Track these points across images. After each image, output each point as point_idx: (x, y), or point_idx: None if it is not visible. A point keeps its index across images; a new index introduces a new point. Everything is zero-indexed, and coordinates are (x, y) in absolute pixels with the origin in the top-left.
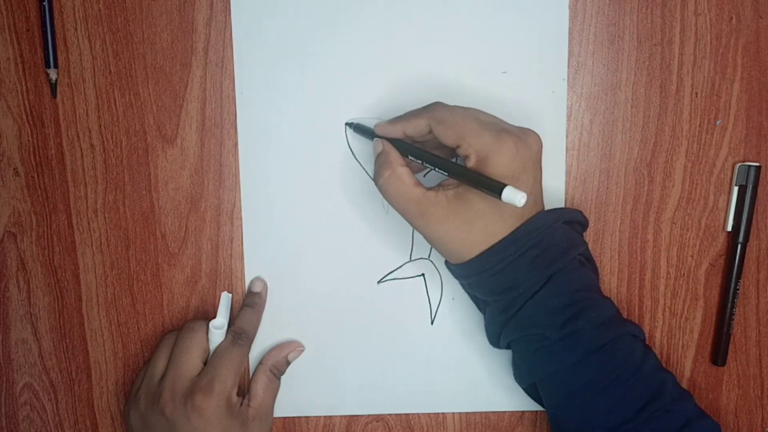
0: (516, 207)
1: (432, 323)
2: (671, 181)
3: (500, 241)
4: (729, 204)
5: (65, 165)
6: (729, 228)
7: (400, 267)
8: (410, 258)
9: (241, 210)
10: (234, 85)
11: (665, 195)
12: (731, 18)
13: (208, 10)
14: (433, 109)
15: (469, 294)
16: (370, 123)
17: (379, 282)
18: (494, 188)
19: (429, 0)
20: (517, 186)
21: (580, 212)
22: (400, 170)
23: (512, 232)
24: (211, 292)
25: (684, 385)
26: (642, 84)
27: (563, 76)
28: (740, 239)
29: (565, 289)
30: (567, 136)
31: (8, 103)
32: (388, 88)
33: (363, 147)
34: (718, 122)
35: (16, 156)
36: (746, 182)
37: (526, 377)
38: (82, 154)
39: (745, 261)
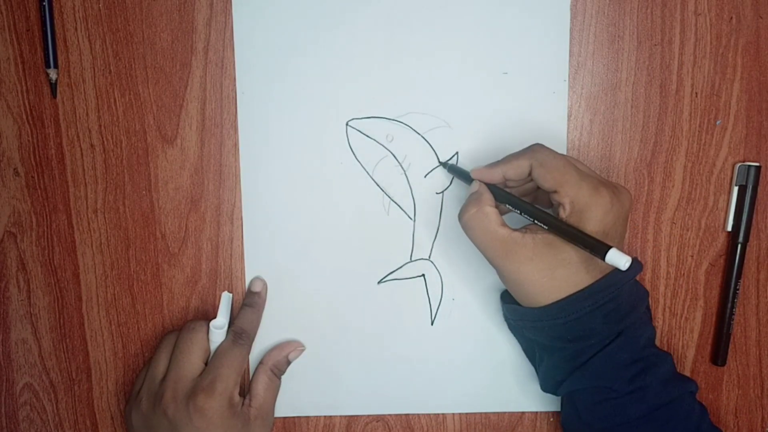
0: (620, 269)
1: (432, 323)
2: (671, 181)
3: (580, 292)
4: (729, 204)
5: (65, 165)
6: (729, 228)
7: (401, 267)
8: (410, 258)
9: (241, 210)
10: (234, 85)
11: (665, 195)
12: (731, 18)
13: (208, 10)
14: (535, 150)
15: (522, 338)
16: (375, 125)
17: (379, 282)
18: (598, 249)
19: (430, 0)
20: (608, 239)
21: (637, 260)
22: (488, 209)
23: (592, 284)
24: (211, 292)
25: None
26: (642, 84)
27: (564, 77)
28: (740, 239)
29: (634, 344)
30: (567, 136)
31: (8, 103)
32: (388, 89)
33: (363, 147)
34: (718, 122)
35: (16, 156)
36: (746, 182)
37: (585, 428)
38: (82, 154)
39: (745, 261)
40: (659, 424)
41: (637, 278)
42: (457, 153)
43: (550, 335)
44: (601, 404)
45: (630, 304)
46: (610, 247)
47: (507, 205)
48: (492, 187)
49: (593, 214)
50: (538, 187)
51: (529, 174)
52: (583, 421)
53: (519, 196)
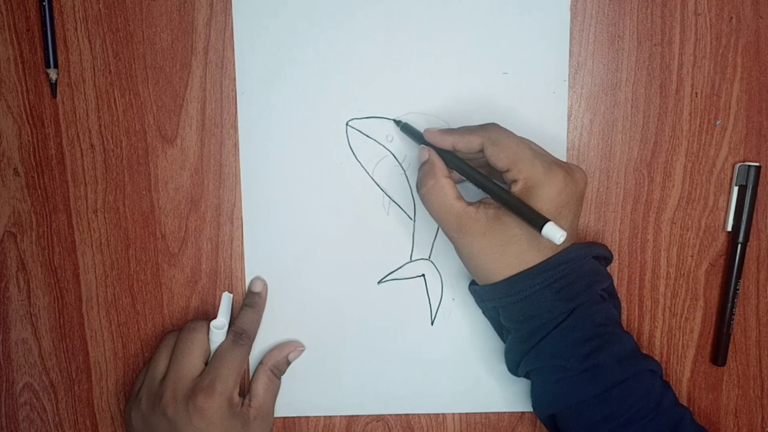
0: (554, 243)
1: (432, 323)
2: (671, 181)
3: (530, 269)
4: (729, 204)
5: (65, 165)
6: (729, 228)
7: (401, 267)
8: (411, 258)
9: (241, 210)
10: (234, 85)
11: (665, 195)
12: (731, 18)
13: (208, 10)
14: (489, 129)
15: (491, 319)
16: (375, 125)
17: (379, 282)
18: (536, 222)
19: (430, 0)
20: (558, 220)
21: (606, 247)
22: (443, 181)
23: (543, 262)
24: (211, 292)
25: (684, 385)
26: (642, 84)
27: (564, 77)
28: (740, 239)
29: (588, 322)
30: (567, 136)
31: (8, 103)
32: (388, 89)
33: (364, 147)
34: (718, 122)
35: (16, 156)
36: (746, 182)
37: (546, 408)
38: (82, 154)
39: (745, 261)
40: (617, 402)
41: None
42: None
43: (505, 315)
44: (558, 383)
45: (585, 283)
46: (547, 221)
47: (456, 171)
48: (445, 154)
49: (545, 192)
50: (487, 166)
51: (480, 150)
52: (544, 403)
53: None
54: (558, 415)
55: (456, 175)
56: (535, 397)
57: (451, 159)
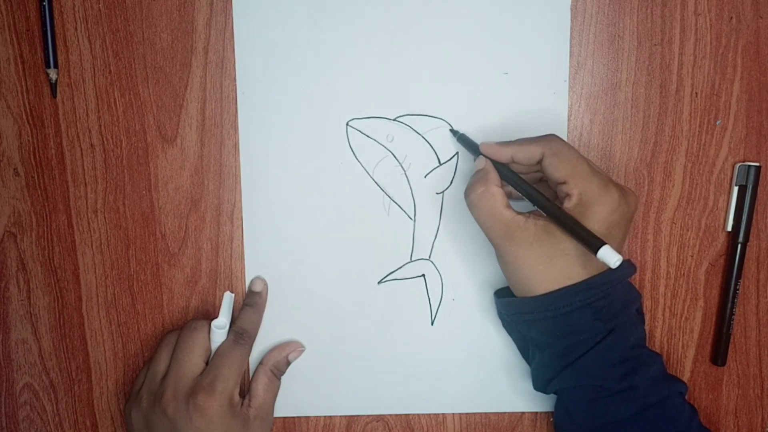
0: (609, 267)
1: (432, 324)
2: (671, 181)
3: (573, 286)
4: (729, 204)
5: (65, 165)
6: (729, 228)
7: (401, 267)
8: (411, 258)
9: (241, 210)
10: (234, 85)
11: (665, 195)
12: (731, 18)
13: (208, 10)
14: (551, 140)
15: (515, 333)
16: (375, 125)
17: (379, 282)
18: (592, 244)
19: (430, 0)
20: (608, 240)
21: (631, 262)
22: (494, 189)
23: (587, 280)
24: (211, 292)
25: None
26: (642, 84)
27: (564, 78)
28: (740, 239)
29: (624, 343)
30: (567, 136)
31: (8, 103)
32: (389, 89)
33: (364, 147)
34: (718, 122)
35: (16, 156)
36: (746, 182)
37: (574, 428)
38: (82, 154)
39: (745, 261)
40: (648, 423)
41: (636, 277)
42: (457, 153)
43: (540, 330)
44: (591, 403)
45: (621, 303)
46: (603, 244)
47: (511, 187)
48: (499, 166)
49: (599, 210)
50: (541, 179)
51: (538, 162)
52: (573, 421)
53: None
54: None
55: (506, 189)
56: (562, 415)
57: (506, 172)
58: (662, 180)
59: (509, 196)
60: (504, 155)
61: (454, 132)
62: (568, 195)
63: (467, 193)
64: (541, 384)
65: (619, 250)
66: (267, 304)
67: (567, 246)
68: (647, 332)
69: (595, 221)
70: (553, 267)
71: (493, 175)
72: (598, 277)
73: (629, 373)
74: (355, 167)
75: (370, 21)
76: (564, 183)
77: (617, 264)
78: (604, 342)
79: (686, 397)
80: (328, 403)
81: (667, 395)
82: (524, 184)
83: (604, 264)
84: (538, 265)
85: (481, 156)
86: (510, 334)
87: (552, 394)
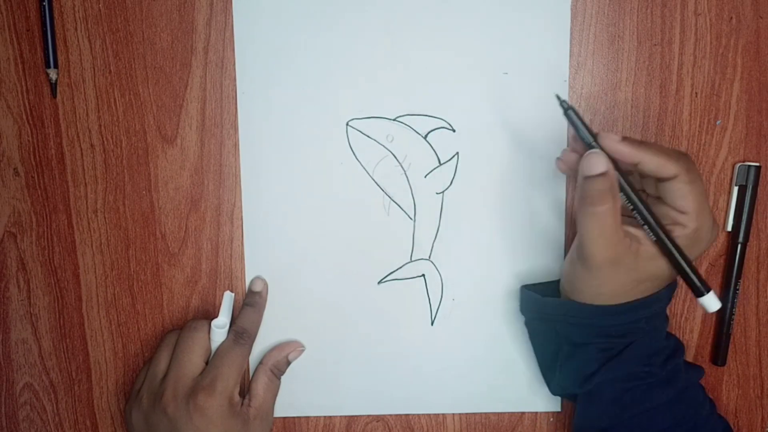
0: (706, 311)
1: (432, 324)
2: None
3: (645, 299)
4: (729, 204)
5: (65, 165)
6: (729, 228)
7: (401, 267)
8: (411, 258)
9: (241, 210)
10: (234, 85)
11: None
12: (731, 18)
13: (208, 10)
14: (688, 162)
15: (538, 336)
16: (375, 125)
17: (379, 282)
18: (698, 290)
19: (430, 1)
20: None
21: None
22: (618, 207)
23: (656, 293)
24: (211, 292)
25: None
26: (642, 84)
27: (564, 78)
28: (740, 239)
29: (661, 333)
30: (567, 136)
31: (8, 103)
32: (389, 89)
33: (364, 147)
34: (718, 122)
35: (16, 156)
36: (746, 182)
37: (608, 419)
38: (82, 154)
39: (745, 261)
40: (687, 404)
41: None
42: (457, 153)
43: (590, 333)
44: (632, 391)
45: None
46: (708, 290)
47: (628, 204)
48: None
49: (703, 248)
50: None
51: (666, 179)
52: (607, 414)
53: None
54: (617, 427)
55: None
56: (595, 413)
57: (623, 183)
58: None
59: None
60: (631, 157)
61: (563, 103)
62: (682, 225)
63: (588, 203)
64: (577, 381)
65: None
66: (267, 304)
67: (661, 272)
68: None
69: (690, 254)
70: (637, 288)
71: (616, 188)
72: (665, 290)
73: (669, 357)
74: (355, 167)
75: (370, 21)
76: (685, 213)
77: (715, 309)
78: (645, 332)
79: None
80: (328, 403)
81: (696, 378)
82: (641, 204)
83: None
84: (624, 285)
85: (599, 153)
86: (531, 333)
87: (558, 397)
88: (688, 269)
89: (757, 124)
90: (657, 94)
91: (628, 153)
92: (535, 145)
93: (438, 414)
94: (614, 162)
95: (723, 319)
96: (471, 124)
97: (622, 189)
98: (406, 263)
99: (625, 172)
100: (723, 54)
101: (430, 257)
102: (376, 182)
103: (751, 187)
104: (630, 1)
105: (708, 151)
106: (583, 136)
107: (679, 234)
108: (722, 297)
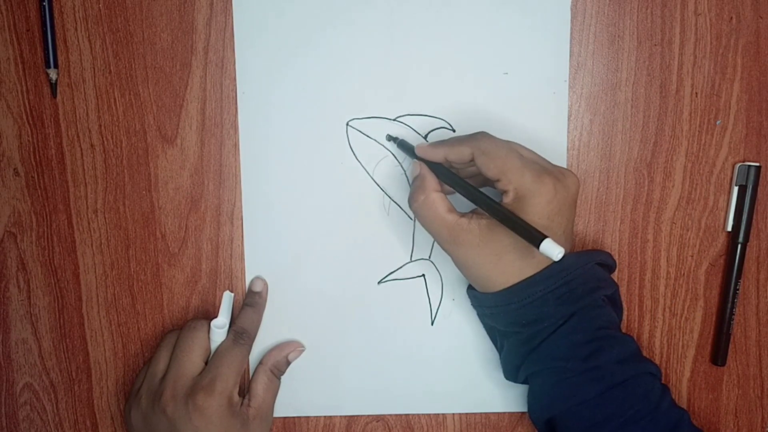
0: (552, 260)
1: (432, 324)
2: (671, 181)
3: (530, 278)
4: (729, 204)
5: (65, 165)
6: (729, 228)
7: (401, 267)
8: (411, 258)
9: (241, 210)
10: (234, 85)
11: (665, 195)
12: (731, 18)
13: (208, 10)
14: (478, 138)
15: (486, 325)
16: (376, 125)
17: (379, 282)
18: (533, 238)
19: (430, 1)
20: (551, 229)
21: (609, 254)
22: (433, 195)
23: (543, 270)
24: (211, 292)
25: (684, 385)
26: (642, 84)
27: (565, 78)
28: (740, 239)
29: (589, 325)
30: (567, 136)
31: (8, 103)
32: (389, 89)
33: (364, 147)
34: (718, 122)
35: (16, 156)
36: (746, 182)
37: (544, 411)
38: (82, 154)
39: (745, 261)
40: (617, 402)
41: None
42: None
43: (505, 321)
44: (557, 386)
45: (587, 288)
46: (544, 237)
47: (448, 185)
48: (436, 167)
49: (536, 202)
50: (479, 175)
51: (471, 160)
52: (543, 406)
53: (463, 178)
54: (558, 419)
55: (448, 187)
56: (533, 401)
57: (443, 172)
58: (662, 180)
59: (448, 192)
60: (437, 156)
61: (391, 138)
62: (503, 192)
63: (410, 202)
64: (510, 373)
65: (567, 237)
66: (267, 304)
67: (512, 241)
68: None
69: (534, 214)
70: (503, 263)
71: (431, 180)
72: (553, 265)
73: (594, 353)
74: (356, 167)
75: (370, 21)
76: (498, 180)
77: (560, 256)
78: (566, 325)
79: (660, 379)
80: (328, 403)
81: (633, 374)
82: (462, 183)
83: None
84: (489, 263)
85: (415, 161)
86: (483, 326)
87: (515, 382)
88: (516, 223)
89: (757, 124)
90: (657, 94)
91: (432, 151)
92: (535, 145)
93: (438, 414)
94: (442, 167)
95: (723, 319)
96: (471, 124)
97: (447, 180)
98: (407, 263)
99: (466, 174)
100: (723, 54)
101: (430, 257)
102: (376, 182)
103: (751, 187)
104: (630, 1)
105: (708, 151)
106: (410, 154)
107: (506, 201)
108: (722, 297)
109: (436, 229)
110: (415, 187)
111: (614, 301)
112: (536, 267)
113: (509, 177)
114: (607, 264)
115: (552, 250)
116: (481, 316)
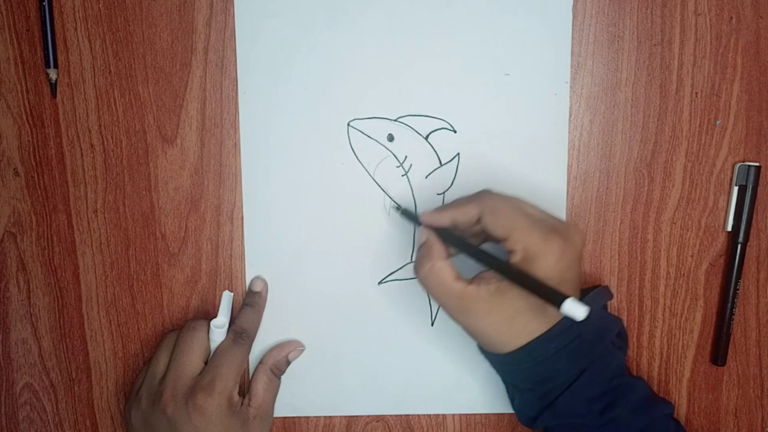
0: (575, 320)
1: (432, 324)
2: (671, 181)
3: (541, 336)
4: (729, 204)
5: (65, 165)
6: (729, 228)
7: (401, 268)
8: (411, 259)
9: (241, 210)
10: (234, 86)
11: (665, 195)
12: (731, 18)
13: (208, 10)
14: (484, 197)
15: (501, 377)
16: (377, 126)
17: (379, 283)
18: (555, 299)
19: (432, 1)
20: (563, 286)
21: (608, 289)
22: (439, 264)
23: (553, 328)
24: (211, 292)
25: (684, 385)
26: (642, 84)
27: (566, 79)
28: (740, 239)
29: (601, 377)
30: (567, 136)
31: (8, 103)
32: (390, 89)
33: (365, 148)
34: (718, 122)
35: (16, 156)
36: (746, 182)
37: None
38: (82, 154)
39: (745, 261)
40: None
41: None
42: (458, 154)
43: (519, 378)
44: None
45: (596, 337)
46: (566, 298)
47: (458, 250)
48: (442, 232)
49: (545, 262)
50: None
51: (478, 220)
52: None
53: (470, 238)
54: None
55: (452, 250)
56: None
57: (450, 238)
58: (662, 180)
59: (452, 255)
60: (444, 221)
61: (397, 208)
62: (511, 251)
63: (416, 271)
64: (526, 421)
65: (576, 291)
66: (267, 304)
67: (522, 303)
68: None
69: (545, 273)
70: (514, 326)
71: (437, 248)
72: (565, 321)
73: (609, 406)
74: (356, 167)
75: (372, 21)
76: (505, 240)
77: (583, 316)
78: (579, 381)
79: (673, 414)
80: (328, 403)
81: (649, 421)
82: (471, 247)
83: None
84: (501, 329)
85: (422, 227)
86: (498, 374)
87: (531, 429)
88: (533, 284)
89: (757, 124)
90: (657, 94)
91: (439, 217)
92: (536, 146)
93: (438, 414)
94: (449, 232)
95: (723, 319)
96: (472, 125)
97: (455, 244)
98: (407, 264)
99: (470, 233)
100: (723, 54)
101: None
102: (377, 183)
103: (751, 187)
104: (630, 1)
105: (708, 151)
106: (416, 222)
107: (515, 261)
108: (722, 297)
109: (444, 299)
110: (421, 254)
111: (620, 334)
112: (547, 324)
113: (516, 237)
114: (607, 299)
115: (575, 310)
116: (495, 370)
